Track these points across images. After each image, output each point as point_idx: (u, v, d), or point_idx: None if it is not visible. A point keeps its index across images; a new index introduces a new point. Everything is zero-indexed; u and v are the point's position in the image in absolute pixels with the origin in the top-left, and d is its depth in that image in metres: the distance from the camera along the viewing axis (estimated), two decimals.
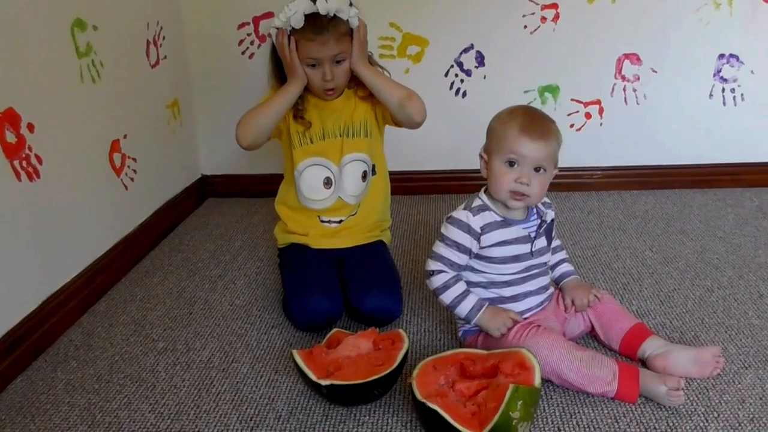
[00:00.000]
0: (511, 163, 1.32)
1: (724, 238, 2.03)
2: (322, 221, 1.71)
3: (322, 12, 1.50)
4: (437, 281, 1.38)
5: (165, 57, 2.26)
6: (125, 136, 1.97)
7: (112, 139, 1.90)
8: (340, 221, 1.71)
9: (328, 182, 1.66)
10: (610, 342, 1.43)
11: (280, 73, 1.62)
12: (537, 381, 1.16)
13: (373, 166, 1.72)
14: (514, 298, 1.41)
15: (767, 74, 2.37)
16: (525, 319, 1.39)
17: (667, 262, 1.89)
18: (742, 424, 1.22)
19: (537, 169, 1.31)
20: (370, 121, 1.69)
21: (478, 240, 1.36)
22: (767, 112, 2.42)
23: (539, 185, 1.32)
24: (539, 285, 1.43)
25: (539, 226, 1.40)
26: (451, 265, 1.38)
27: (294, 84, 1.57)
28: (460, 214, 1.37)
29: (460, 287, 1.38)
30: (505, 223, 1.36)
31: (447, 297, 1.38)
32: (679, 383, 1.24)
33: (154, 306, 1.75)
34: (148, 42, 2.13)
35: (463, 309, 1.37)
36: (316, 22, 1.51)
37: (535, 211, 1.41)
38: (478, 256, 1.39)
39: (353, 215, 1.72)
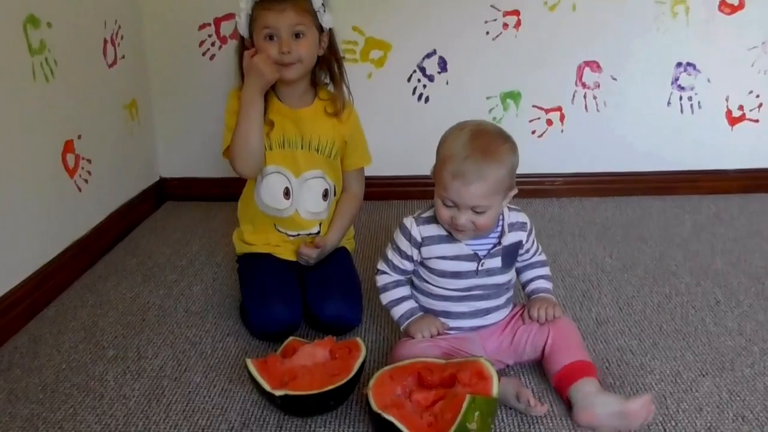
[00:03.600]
0: (448, 204, 1.27)
1: (681, 244, 2.05)
2: (278, 230, 1.67)
3: None
4: (380, 281, 1.43)
5: (123, 56, 2.20)
6: (79, 137, 1.91)
7: (65, 140, 1.85)
8: (297, 235, 1.67)
9: (287, 192, 1.62)
10: (547, 374, 1.34)
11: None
12: (495, 391, 1.15)
13: (334, 186, 1.68)
14: (445, 315, 1.39)
15: (723, 83, 2.42)
16: (449, 333, 1.37)
17: (627, 269, 1.90)
18: None
19: (476, 210, 1.25)
20: (338, 147, 1.64)
21: (419, 250, 1.35)
22: (723, 120, 2.46)
23: (483, 221, 1.26)
24: (477, 308, 1.37)
25: (493, 246, 1.34)
26: (394, 268, 1.40)
27: (252, 84, 1.49)
28: (407, 220, 1.36)
29: (398, 292, 1.41)
30: (450, 238, 1.33)
31: (384, 298, 1.42)
32: (528, 400, 1.23)
33: (105, 312, 1.70)
34: (105, 41, 2.08)
35: (396, 313, 1.41)
36: None
37: (499, 229, 1.35)
38: (422, 264, 1.38)
39: (316, 233, 1.68)
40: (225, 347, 1.53)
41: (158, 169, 2.54)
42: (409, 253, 1.36)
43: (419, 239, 1.34)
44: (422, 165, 2.49)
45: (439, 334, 1.35)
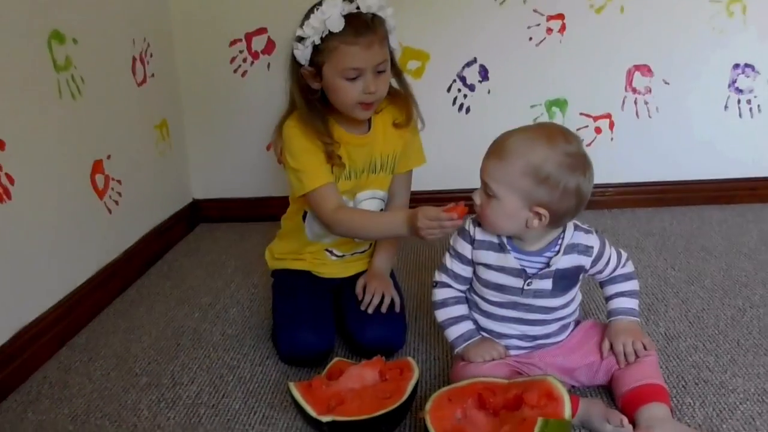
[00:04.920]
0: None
1: (749, 255, 1.90)
2: (331, 253, 1.57)
3: (364, 10, 1.30)
4: (438, 295, 1.30)
5: (153, 75, 2.14)
6: (109, 157, 1.85)
7: (94, 159, 1.78)
8: (353, 254, 1.58)
9: None
10: (614, 394, 1.21)
11: (304, 95, 1.39)
12: (567, 413, 1.02)
13: (386, 196, 1.56)
14: (488, 332, 1.27)
15: None
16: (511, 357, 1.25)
17: (692, 281, 1.75)
18: None
19: (488, 193, 1.15)
20: (399, 155, 1.52)
21: (472, 251, 1.24)
22: None
23: (488, 211, 1.16)
24: (523, 332, 1.25)
25: (544, 266, 1.20)
26: (456, 277, 1.27)
27: (409, 234, 1.29)
28: (466, 222, 1.25)
29: (458, 310, 1.28)
30: (499, 247, 1.21)
31: (441, 315, 1.29)
32: (622, 420, 1.09)
33: (138, 337, 1.61)
34: (134, 58, 2.02)
35: (452, 333, 1.27)
36: (358, 23, 1.30)
37: (556, 247, 1.20)
38: (473, 271, 1.27)
39: (365, 251, 1.59)
40: (265, 371, 1.42)
41: (191, 190, 2.47)
42: (470, 256, 1.24)
43: (474, 238, 1.23)
44: (464, 179, 2.41)
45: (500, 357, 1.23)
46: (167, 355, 1.52)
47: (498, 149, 1.15)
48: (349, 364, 1.25)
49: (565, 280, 1.22)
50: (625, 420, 1.09)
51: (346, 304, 1.50)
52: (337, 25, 1.29)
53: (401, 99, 1.48)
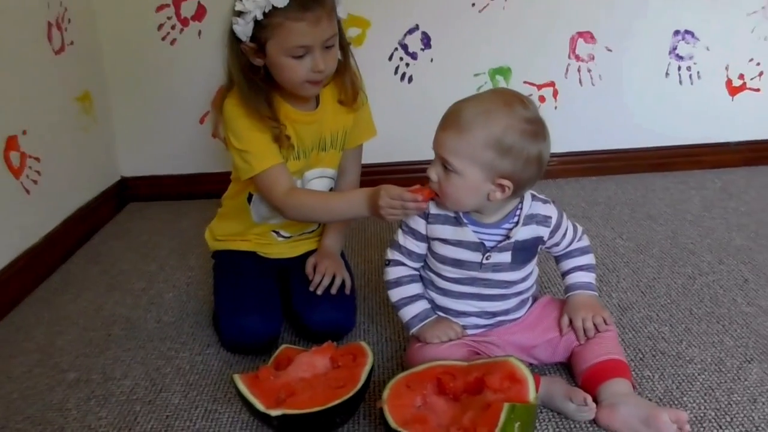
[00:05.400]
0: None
1: (693, 221, 1.91)
2: (278, 234, 1.47)
3: None
4: (391, 274, 1.23)
5: (71, 43, 1.98)
6: (24, 132, 1.69)
7: (7, 135, 1.62)
8: (301, 234, 1.49)
9: None
10: (574, 371, 1.18)
11: (245, 74, 1.27)
12: (532, 395, 0.97)
13: (336, 173, 1.47)
14: (444, 311, 1.21)
15: (722, 51, 2.28)
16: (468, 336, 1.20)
17: (641, 250, 1.74)
18: (759, 428, 1.06)
19: (445, 166, 1.08)
20: (348, 131, 1.42)
21: (426, 226, 1.18)
22: (723, 91, 2.33)
23: (449, 187, 1.09)
24: (482, 308, 1.20)
25: (503, 238, 1.14)
26: (409, 254, 1.21)
27: (369, 213, 1.19)
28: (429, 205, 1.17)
29: (412, 289, 1.21)
30: (456, 221, 1.15)
31: (395, 294, 1.22)
32: (585, 399, 1.05)
33: (65, 329, 1.49)
34: (49, 24, 1.85)
35: (407, 313, 1.21)
36: None
37: (515, 219, 1.15)
38: (428, 247, 1.20)
39: (313, 231, 1.50)
40: (206, 361, 1.33)
41: (119, 167, 2.32)
42: (424, 231, 1.17)
43: (428, 212, 1.16)
44: (408, 151, 2.35)
45: (457, 337, 1.17)
46: (97, 348, 1.40)
47: (454, 121, 1.07)
48: (298, 351, 1.17)
49: (524, 252, 1.17)
50: (589, 398, 1.06)
51: (294, 285, 1.41)
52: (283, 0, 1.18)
53: (345, 74, 1.36)
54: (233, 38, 1.25)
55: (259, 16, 1.19)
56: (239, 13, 1.21)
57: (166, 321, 1.50)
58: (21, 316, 1.56)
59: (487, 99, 1.10)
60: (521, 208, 1.15)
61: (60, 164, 1.88)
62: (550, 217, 1.18)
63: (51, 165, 1.82)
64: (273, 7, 1.18)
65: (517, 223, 1.14)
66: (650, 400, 1.13)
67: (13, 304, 1.59)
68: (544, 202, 1.19)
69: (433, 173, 1.10)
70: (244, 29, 1.22)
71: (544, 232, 1.18)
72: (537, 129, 1.07)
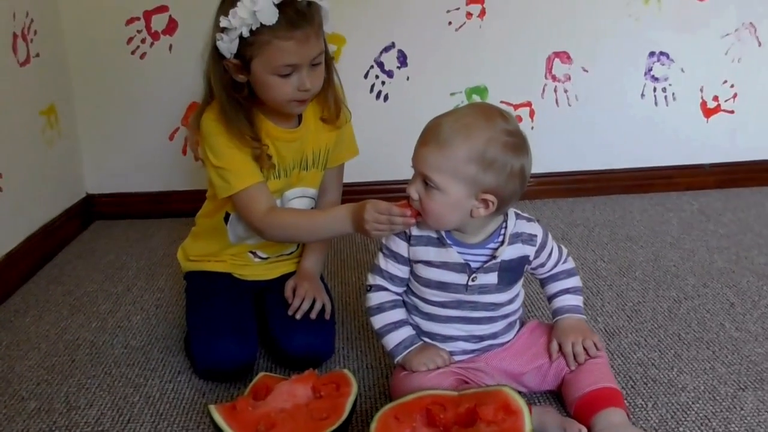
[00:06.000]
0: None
1: (674, 244, 1.89)
2: (255, 255, 1.41)
3: None
4: (373, 299, 1.17)
5: (37, 55, 1.90)
6: None
7: None
8: (279, 256, 1.43)
9: None
10: (565, 401, 1.13)
11: (227, 91, 1.22)
12: (528, 428, 0.93)
13: (317, 193, 1.42)
14: (431, 336, 1.16)
15: (697, 73, 2.29)
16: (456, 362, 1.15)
17: (623, 273, 1.72)
18: None
19: (426, 183, 1.04)
20: (330, 150, 1.38)
21: (408, 248, 1.13)
22: (698, 112, 2.34)
23: (431, 204, 1.04)
24: (470, 332, 1.15)
25: (489, 259, 1.11)
26: (392, 279, 1.16)
27: (354, 229, 1.14)
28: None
29: (396, 314, 1.16)
30: (439, 242, 1.11)
31: (378, 321, 1.17)
32: (581, 430, 1.02)
33: (24, 353, 1.40)
34: (15, 35, 1.78)
35: (391, 340, 1.15)
36: (293, 13, 1.14)
37: (499, 238, 1.12)
38: (411, 271, 1.16)
39: (292, 252, 1.45)
40: (177, 389, 1.26)
41: (84, 184, 2.23)
42: (406, 254, 1.13)
43: (409, 234, 1.12)
44: (384, 170, 2.31)
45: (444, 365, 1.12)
46: (60, 374, 1.32)
47: (434, 137, 1.03)
48: (277, 379, 1.11)
49: (510, 272, 1.14)
50: (584, 430, 1.01)
51: (271, 308, 1.35)
52: (270, 17, 1.12)
53: (328, 90, 1.31)
54: (216, 54, 1.20)
55: (246, 34, 1.14)
56: (224, 29, 1.16)
57: (133, 346, 1.43)
58: None
59: (467, 113, 1.07)
60: (506, 227, 1.12)
61: (23, 179, 1.79)
62: (536, 236, 1.15)
63: (13, 180, 1.73)
64: (261, 24, 1.13)
65: (502, 242, 1.11)
66: (645, 430, 1.09)
67: None
68: (529, 220, 1.16)
69: (414, 191, 1.06)
70: (228, 46, 1.17)
71: (530, 251, 1.14)
72: (518, 142, 1.04)
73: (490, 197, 1.03)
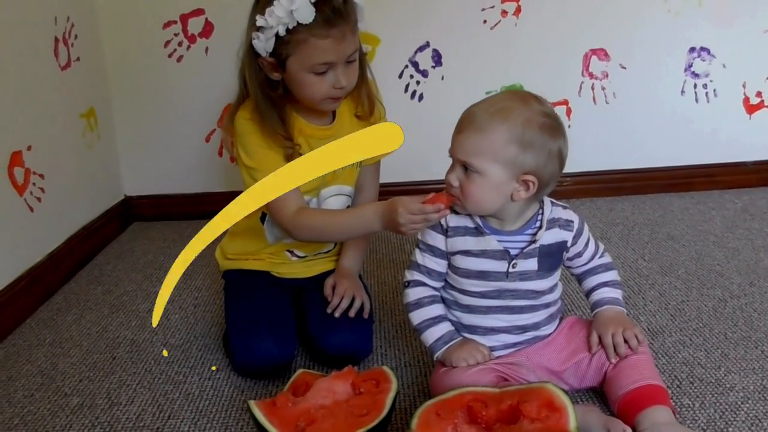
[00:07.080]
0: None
1: (717, 243, 1.85)
2: (292, 254, 1.41)
3: None
4: (412, 295, 1.17)
5: (78, 59, 1.93)
6: (29, 148, 1.64)
7: (12, 150, 1.57)
8: (316, 254, 1.43)
9: None
10: (609, 398, 1.10)
11: (262, 89, 1.23)
12: (572, 425, 0.91)
13: (353, 191, 1.42)
14: (472, 330, 1.15)
15: (739, 68, 2.23)
16: (496, 357, 1.13)
17: (666, 272, 1.68)
18: None
19: (465, 168, 1.05)
20: None
21: (445, 241, 1.13)
22: (740, 109, 2.28)
23: (472, 189, 1.04)
24: (512, 323, 1.14)
25: (528, 244, 1.10)
26: (429, 273, 1.15)
27: (385, 227, 1.14)
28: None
29: (435, 310, 1.15)
30: (477, 231, 1.10)
31: (416, 317, 1.16)
32: (625, 430, 0.99)
33: (67, 351, 1.42)
34: (56, 39, 1.81)
35: (430, 336, 1.14)
36: (329, 10, 1.14)
37: (537, 224, 1.12)
38: (449, 264, 1.15)
39: (329, 251, 1.44)
40: (216, 386, 1.26)
41: (123, 186, 2.26)
42: (443, 248, 1.12)
43: (445, 226, 1.12)
44: (418, 170, 2.30)
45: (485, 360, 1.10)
46: (101, 371, 1.34)
47: (472, 122, 1.04)
48: (316, 376, 1.10)
49: (550, 258, 1.13)
50: (629, 430, 0.99)
51: (309, 307, 1.34)
52: (307, 15, 1.13)
53: (361, 86, 1.31)
54: (251, 52, 1.21)
55: (282, 32, 1.15)
56: (260, 28, 1.16)
57: (173, 344, 1.44)
58: (22, 338, 1.49)
59: (501, 98, 1.09)
60: (542, 213, 1.12)
61: (64, 181, 1.82)
62: (572, 221, 1.15)
63: (55, 182, 1.76)
64: (297, 23, 1.13)
65: (540, 227, 1.10)
66: (693, 430, 1.06)
67: (14, 324, 1.53)
68: (564, 207, 1.17)
69: (454, 178, 1.06)
70: (264, 45, 1.18)
71: (567, 236, 1.14)
72: (554, 123, 1.05)
73: (531, 178, 1.03)
